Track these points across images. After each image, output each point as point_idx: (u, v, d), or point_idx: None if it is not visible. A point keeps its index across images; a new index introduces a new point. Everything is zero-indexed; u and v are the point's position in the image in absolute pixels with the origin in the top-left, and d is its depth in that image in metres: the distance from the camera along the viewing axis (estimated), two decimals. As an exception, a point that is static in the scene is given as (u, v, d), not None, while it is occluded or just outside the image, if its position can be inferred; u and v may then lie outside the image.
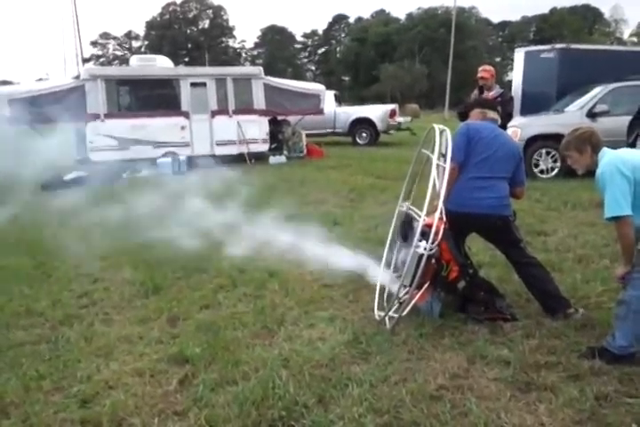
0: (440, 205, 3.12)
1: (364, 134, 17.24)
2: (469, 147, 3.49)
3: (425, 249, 3.10)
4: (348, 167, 11.74)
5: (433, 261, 3.32)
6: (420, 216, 3.37)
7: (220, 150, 12.68)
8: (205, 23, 76.29)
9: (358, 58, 64.69)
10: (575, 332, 3.26)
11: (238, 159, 12.68)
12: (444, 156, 3.35)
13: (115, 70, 14.86)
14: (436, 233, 3.15)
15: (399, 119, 17.80)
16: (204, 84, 12.33)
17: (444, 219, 3.33)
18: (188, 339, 3.42)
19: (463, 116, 3.98)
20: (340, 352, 3.14)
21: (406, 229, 3.63)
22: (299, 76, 61.25)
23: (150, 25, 74.12)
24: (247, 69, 13.47)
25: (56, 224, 6.64)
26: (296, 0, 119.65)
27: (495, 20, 72.10)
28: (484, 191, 3.44)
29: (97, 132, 11.67)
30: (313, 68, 78.44)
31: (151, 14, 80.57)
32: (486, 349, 3.08)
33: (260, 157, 13.02)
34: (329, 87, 15.62)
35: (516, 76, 10.79)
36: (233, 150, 12.75)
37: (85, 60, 46.99)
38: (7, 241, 6.12)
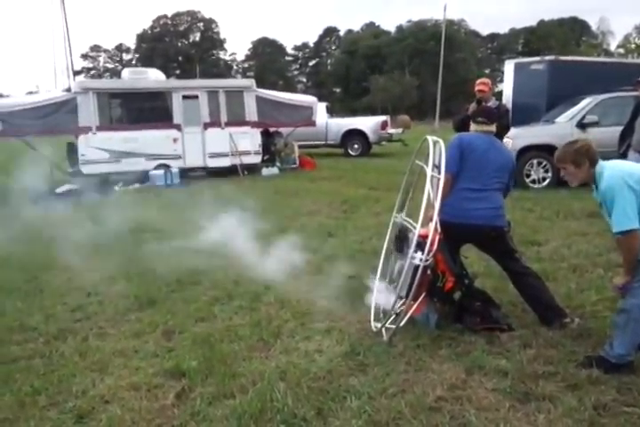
0: (435, 216, 3.14)
1: (356, 146, 17.33)
2: (462, 158, 3.52)
3: (421, 260, 3.11)
4: (340, 178, 11.77)
5: (429, 271, 3.33)
6: (414, 227, 3.38)
7: (212, 162, 12.69)
8: (196, 36, 76.66)
9: (349, 70, 65.17)
10: (572, 341, 3.28)
11: (231, 171, 12.68)
12: (437, 167, 3.37)
13: (107, 83, 14.89)
14: (432, 244, 3.15)
15: (391, 130, 17.92)
16: (196, 97, 12.36)
17: (439, 230, 3.35)
18: (184, 352, 3.40)
19: (459, 127, 4.00)
20: (338, 364, 3.13)
21: (401, 240, 3.64)
22: (290, 87, 61.53)
23: (141, 38, 74.36)
24: (239, 82, 13.53)
25: (48, 238, 6.59)
26: (287, 13, 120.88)
27: (484, 32, 73.03)
28: (478, 202, 3.47)
29: (89, 144, 11.64)
30: (304, 79, 78.86)
31: (142, 27, 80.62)
32: (484, 359, 3.08)
33: (252, 169, 13.03)
34: (320, 99, 15.70)
35: (506, 88, 10.91)
36: (225, 162, 12.75)
37: (76, 73, 46.97)
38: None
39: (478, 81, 6.41)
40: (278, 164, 13.71)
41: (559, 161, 3.02)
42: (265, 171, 13.06)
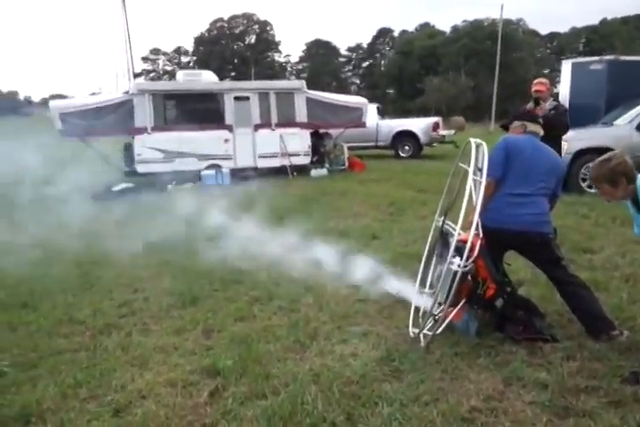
0: (475, 220, 3.05)
1: (407, 147, 17.14)
2: (507, 162, 3.42)
3: (459, 266, 3.03)
4: (389, 180, 11.68)
5: (469, 278, 3.25)
6: (455, 232, 3.31)
7: (262, 163, 12.84)
8: (252, 38, 77.83)
9: (402, 71, 64.56)
10: (619, 355, 3.12)
11: (280, 172, 12.80)
12: (480, 170, 3.29)
13: (162, 85, 15.27)
14: (471, 250, 3.07)
15: (443, 132, 17.63)
16: (247, 98, 12.53)
17: (481, 235, 3.26)
18: (221, 351, 3.45)
19: (507, 129, 3.89)
20: (372, 369, 3.10)
21: (442, 244, 3.57)
22: (343, 89, 61.58)
23: (199, 41, 76.19)
24: (290, 83, 13.60)
25: (102, 234, 6.84)
26: (341, 14, 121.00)
27: (543, 31, 70.92)
28: (522, 207, 3.36)
29: (144, 144, 11.99)
30: (357, 81, 78.72)
31: (200, 30, 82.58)
32: (523, 370, 2.98)
33: (301, 170, 13.10)
34: (373, 100, 15.64)
35: (563, 89, 10.55)
36: (275, 163, 12.88)
37: (136, 75, 48.54)
38: (55, 250, 6.33)
39: (536, 81, 6.21)
40: (327, 165, 13.71)
41: (594, 180, 2.88)
42: (314, 172, 13.11)
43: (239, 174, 12.81)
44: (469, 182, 3.11)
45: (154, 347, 3.62)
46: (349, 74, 79.80)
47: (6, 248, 6.22)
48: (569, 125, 6.20)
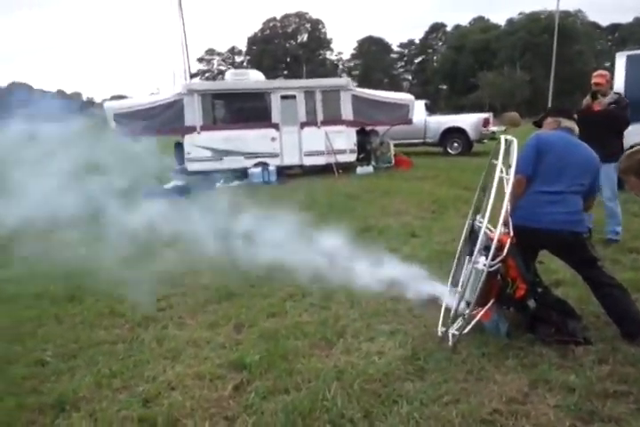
0: (501, 219, 2.99)
1: (456, 144, 16.84)
2: (538, 159, 3.32)
3: (484, 265, 2.98)
4: (435, 178, 11.52)
5: (498, 277, 3.19)
6: (487, 230, 3.25)
7: (308, 161, 12.94)
8: (304, 37, 78.27)
9: (455, 66, 63.42)
10: (654, 360, 2.99)
11: (326, 169, 12.85)
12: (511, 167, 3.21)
13: (210, 85, 15.59)
14: (499, 248, 3.01)
15: (493, 128, 17.22)
16: (293, 97, 12.65)
17: (511, 233, 3.19)
18: (250, 346, 3.51)
19: (540, 126, 3.77)
20: (396, 368, 3.09)
21: (472, 243, 3.51)
22: (395, 85, 61.13)
23: (252, 40, 77.27)
24: (335, 81, 13.61)
25: (150, 230, 7.05)
26: (393, 11, 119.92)
27: (604, 22, 68.00)
28: (554, 206, 3.25)
29: (193, 143, 12.31)
30: (409, 77, 77.85)
31: (253, 30, 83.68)
32: (551, 373, 2.90)
33: (347, 168, 13.11)
34: (425, 96, 15.46)
35: (618, 82, 10.06)
36: (321, 161, 12.95)
37: (192, 76, 49.57)
38: (104, 245, 6.59)
39: (595, 73, 5.94)
40: (373, 162, 13.68)
41: (622, 172, 2.77)
42: (359, 169, 13.10)
43: (285, 172, 12.98)
44: (495, 179, 3.04)
45: (187, 340, 3.72)
46: (402, 70, 79.06)
47: (63, 242, 6.57)
48: (629, 120, 5.83)
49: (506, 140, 3.30)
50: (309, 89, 12.82)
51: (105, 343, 3.77)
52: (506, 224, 3.30)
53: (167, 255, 5.92)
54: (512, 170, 3.03)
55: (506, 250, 3.11)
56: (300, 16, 77.79)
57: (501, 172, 3.12)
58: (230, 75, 13.76)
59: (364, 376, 2.99)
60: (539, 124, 3.75)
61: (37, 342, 3.84)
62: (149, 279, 5.23)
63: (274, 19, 77.63)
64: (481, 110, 25.33)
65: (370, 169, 13.22)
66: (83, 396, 3.04)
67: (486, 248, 3.17)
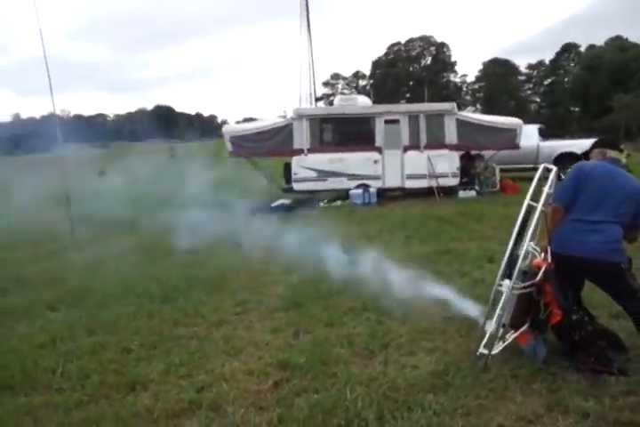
0: (524, 246, 3.10)
1: (569, 170, 16.04)
2: (577, 188, 3.38)
3: (507, 288, 3.11)
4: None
5: (531, 301, 3.29)
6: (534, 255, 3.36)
7: (409, 183, 13.12)
8: (428, 60, 78.26)
9: (588, 87, 59.82)
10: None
11: (428, 192, 12.95)
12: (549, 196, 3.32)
13: (318, 110, 16.39)
14: (527, 273, 3.13)
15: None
16: (397, 121, 12.97)
17: (549, 260, 3.29)
18: (300, 350, 3.88)
19: (588, 158, 3.81)
20: (423, 380, 3.29)
21: (509, 266, 3.61)
22: (521, 107, 58.98)
23: (376, 64, 78.62)
24: (440, 106, 13.67)
25: (252, 244, 7.68)
26: (520, 32, 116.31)
27: None
28: (591, 234, 3.28)
29: (300, 164, 13.03)
30: (537, 99, 74.68)
31: (377, 54, 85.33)
32: (571, 398, 2.94)
33: (449, 191, 13.11)
34: (555, 118, 14.98)
35: None
36: (422, 184, 13.07)
37: (317, 99, 51.28)
38: (207, 255, 7.33)
39: None
40: (477, 187, 13.52)
41: None
42: (462, 193, 13.03)
43: (387, 194, 13.27)
44: (523, 207, 3.17)
45: (249, 341, 4.19)
46: (529, 92, 76.01)
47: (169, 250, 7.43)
48: None
49: (547, 168, 3.41)
50: (413, 113, 13.07)
51: (182, 338, 4.34)
52: (545, 251, 3.40)
53: (254, 267, 6.53)
54: (541, 199, 3.14)
55: (539, 275, 3.21)
56: (425, 40, 77.94)
57: (536, 201, 3.24)
58: (339, 100, 14.39)
59: (391, 385, 3.23)
60: (587, 157, 3.78)
61: (129, 333, 4.51)
62: (235, 286, 5.84)
63: (398, 43, 78.56)
64: (616, 134, 23.80)
65: (472, 193, 13.09)
66: (152, 379, 3.59)
67: (524, 273, 3.30)
